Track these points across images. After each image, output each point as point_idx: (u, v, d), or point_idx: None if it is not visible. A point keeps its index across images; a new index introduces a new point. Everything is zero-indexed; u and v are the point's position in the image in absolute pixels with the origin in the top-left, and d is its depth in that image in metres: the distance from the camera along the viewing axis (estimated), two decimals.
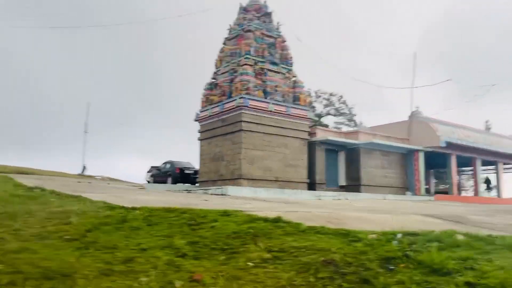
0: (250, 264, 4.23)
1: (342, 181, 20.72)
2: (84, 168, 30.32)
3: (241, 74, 17.89)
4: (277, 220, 5.77)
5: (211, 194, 14.16)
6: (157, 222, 5.72)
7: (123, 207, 6.62)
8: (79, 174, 28.38)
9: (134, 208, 6.44)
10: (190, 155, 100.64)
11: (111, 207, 6.69)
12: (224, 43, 20.04)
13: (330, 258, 4.25)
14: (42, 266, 3.95)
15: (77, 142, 77.32)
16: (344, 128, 34.99)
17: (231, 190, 14.31)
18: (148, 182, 23.72)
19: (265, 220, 5.81)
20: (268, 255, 4.47)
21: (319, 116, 36.80)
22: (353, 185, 20.17)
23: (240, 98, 17.29)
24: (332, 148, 20.43)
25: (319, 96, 37.34)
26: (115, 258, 4.38)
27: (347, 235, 5.14)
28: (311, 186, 18.83)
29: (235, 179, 16.81)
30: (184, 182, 21.08)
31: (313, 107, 35.36)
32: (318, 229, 5.37)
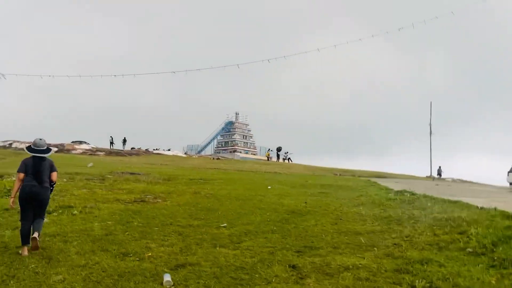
0: None
1: None
2: (439, 171, 31.33)
3: None
4: None
5: None
6: None
7: None
8: (428, 177, 27.96)
9: None
10: None
11: (507, 216, 5.55)
12: None
13: None
14: (459, 285, 3.40)
15: (420, 143, 77.79)
16: None
17: None
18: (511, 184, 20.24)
19: None
20: None
21: None
22: None
23: None
24: None
25: None
26: None
27: None
28: None
29: None
30: None
31: None
32: None
